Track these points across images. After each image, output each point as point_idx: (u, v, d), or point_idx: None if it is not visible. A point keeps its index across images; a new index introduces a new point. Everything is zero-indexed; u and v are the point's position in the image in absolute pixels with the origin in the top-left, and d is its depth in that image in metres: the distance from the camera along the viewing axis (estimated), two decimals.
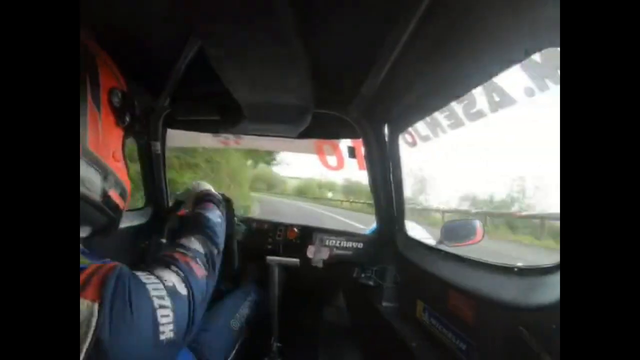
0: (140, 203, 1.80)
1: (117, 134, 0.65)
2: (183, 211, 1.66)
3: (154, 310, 0.50)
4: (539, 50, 0.67)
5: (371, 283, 1.53)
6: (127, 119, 0.66)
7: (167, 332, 0.50)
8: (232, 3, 0.65)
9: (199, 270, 0.65)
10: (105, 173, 0.59)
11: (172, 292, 0.54)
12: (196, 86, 1.25)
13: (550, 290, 0.65)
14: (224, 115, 1.39)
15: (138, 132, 0.68)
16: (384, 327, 1.32)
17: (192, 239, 0.74)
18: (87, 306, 0.42)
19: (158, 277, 0.55)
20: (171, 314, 0.52)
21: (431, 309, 1.10)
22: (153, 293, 0.51)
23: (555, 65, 0.68)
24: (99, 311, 0.42)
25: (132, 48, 0.98)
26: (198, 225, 0.82)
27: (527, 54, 0.70)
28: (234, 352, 1.27)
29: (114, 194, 0.62)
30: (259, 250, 1.66)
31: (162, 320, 0.50)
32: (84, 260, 0.49)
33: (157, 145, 1.63)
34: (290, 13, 0.68)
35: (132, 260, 1.58)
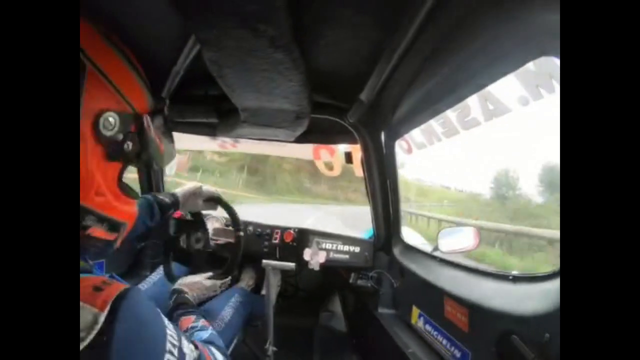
0: None
1: (107, 167, 0.53)
2: (179, 213, 1.66)
3: (165, 349, 0.49)
4: (534, 59, 0.68)
5: (367, 288, 1.53)
6: (128, 147, 0.54)
7: None
8: (230, 9, 0.65)
9: None
10: (98, 219, 0.52)
11: (182, 354, 0.53)
12: (194, 89, 1.25)
13: (543, 299, 0.65)
14: (221, 118, 1.39)
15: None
16: (379, 333, 1.32)
17: (214, 347, 0.74)
18: (93, 313, 0.42)
19: (177, 334, 0.55)
20: None
21: (427, 316, 1.10)
22: (169, 337, 0.51)
23: (549, 74, 0.69)
24: (105, 322, 0.42)
25: (131, 50, 0.98)
26: (213, 338, 0.83)
27: (523, 62, 0.71)
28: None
29: (97, 231, 0.53)
30: (254, 254, 1.65)
31: (168, 357, 0.50)
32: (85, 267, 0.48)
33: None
34: (288, 19, 0.69)
35: (128, 261, 1.59)
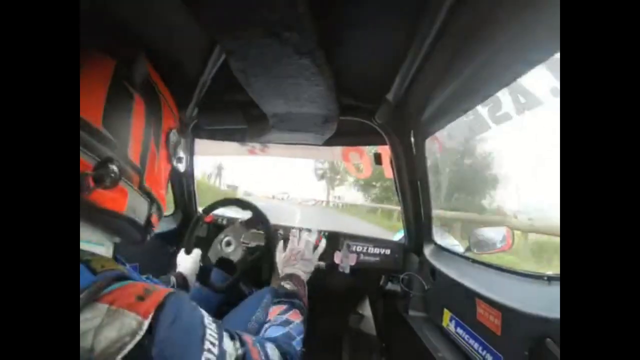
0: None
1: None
2: (210, 217, 1.72)
3: (201, 351, 0.51)
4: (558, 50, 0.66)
5: (398, 291, 1.51)
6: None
7: None
8: (254, 19, 0.67)
9: None
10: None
11: (222, 352, 0.54)
12: (222, 96, 1.29)
13: None
14: (250, 124, 1.43)
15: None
16: (409, 336, 1.30)
17: (276, 351, 0.70)
18: (138, 321, 0.44)
19: (219, 333, 0.56)
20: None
21: (458, 319, 1.08)
22: (208, 337, 0.53)
23: None
24: (149, 329, 0.45)
25: (159, 61, 1.03)
26: (285, 345, 0.76)
27: (550, 54, 0.68)
28: None
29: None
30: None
31: (206, 356, 0.51)
32: (125, 274, 0.51)
33: (187, 155, 1.69)
34: (312, 25, 0.70)
35: (161, 265, 1.66)
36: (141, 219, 0.61)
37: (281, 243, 1.33)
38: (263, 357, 0.64)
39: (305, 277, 1.16)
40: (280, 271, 1.20)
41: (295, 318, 0.89)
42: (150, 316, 0.45)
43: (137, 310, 0.45)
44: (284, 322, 0.86)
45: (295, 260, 1.21)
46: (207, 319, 0.56)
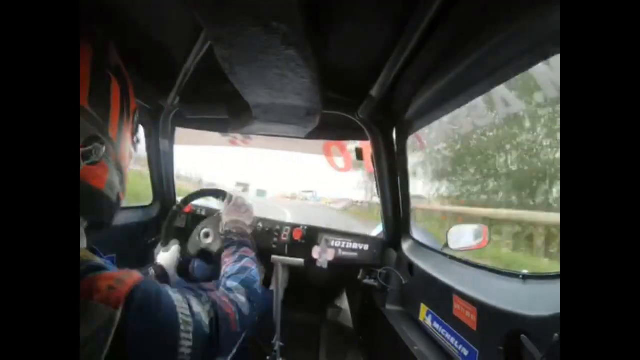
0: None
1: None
2: (189, 207, 1.68)
3: (178, 326, 0.52)
4: (552, 56, 0.67)
5: (375, 285, 1.54)
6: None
7: (184, 348, 0.53)
8: (244, 6, 0.65)
9: (234, 326, 0.67)
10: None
11: (197, 320, 0.57)
12: (205, 86, 1.26)
13: (553, 298, 0.64)
14: (232, 115, 1.40)
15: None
16: (386, 330, 1.32)
17: (242, 294, 0.76)
18: (110, 312, 0.44)
19: (186, 300, 0.57)
20: (191, 336, 0.54)
21: (435, 313, 1.10)
22: (180, 311, 0.54)
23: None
24: (122, 319, 0.44)
25: (143, 47, 1.00)
26: (249, 286, 0.81)
27: (538, 60, 0.69)
28: (235, 350, 1.28)
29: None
30: (264, 250, 1.67)
31: (183, 336, 0.53)
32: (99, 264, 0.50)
33: (166, 144, 1.66)
34: (302, 16, 0.69)
35: (139, 256, 1.62)
36: (114, 195, 0.62)
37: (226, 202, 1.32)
38: (233, 308, 0.68)
39: (248, 223, 1.20)
40: (225, 218, 1.21)
41: (251, 264, 0.92)
42: (121, 306, 0.45)
43: (108, 301, 0.45)
44: (242, 267, 0.89)
45: (238, 212, 1.22)
46: (174, 295, 0.56)
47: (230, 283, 0.78)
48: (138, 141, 0.74)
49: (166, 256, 1.27)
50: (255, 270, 0.89)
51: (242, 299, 0.74)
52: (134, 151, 0.72)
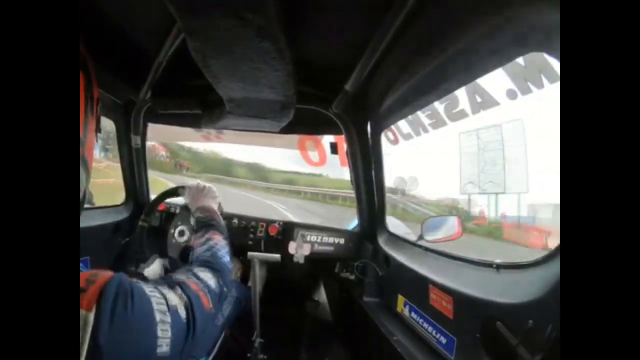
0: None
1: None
2: (163, 205, 1.63)
3: (155, 323, 0.51)
4: (524, 54, 0.69)
5: (352, 278, 1.55)
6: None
7: (163, 346, 0.51)
8: None
9: (207, 303, 0.66)
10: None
11: (173, 312, 0.55)
12: (178, 80, 1.23)
13: (526, 287, 0.67)
14: (205, 110, 1.37)
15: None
16: (365, 321, 1.34)
17: (206, 271, 0.75)
18: (82, 316, 0.42)
19: (162, 295, 0.56)
20: (169, 331, 0.53)
21: (412, 304, 1.13)
22: (156, 307, 0.53)
23: (539, 69, 0.69)
24: (95, 321, 0.43)
25: (113, 39, 0.95)
26: (212, 261, 0.82)
27: (512, 58, 0.72)
28: (216, 348, 1.27)
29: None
30: (240, 247, 1.65)
31: (161, 334, 0.51)
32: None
33: (138, 140, 1.60)
34: (276, 9, 0.68)
35: (112, 257, 1.56)
36: (81, 191, 0.59)
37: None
38: (200, 285, 0.68)
39: (214, 203, 1.18)
40: (192, 208, 1.18)
41: (217, 239, 0.92)
42: (94, 308, 0.43)
43: (80, 303, 0.43)
44: (208, 247, 0.89)
45: (202, 196, 1.20)
46: (147, 288, 0.55)
47: (196, 267, 0.77)
48: (100, 131, 0.70)
49: (153, 269, 1.25)
50: (221, 243, 0.90)
51: (207, 274, 0.74)
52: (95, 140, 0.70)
